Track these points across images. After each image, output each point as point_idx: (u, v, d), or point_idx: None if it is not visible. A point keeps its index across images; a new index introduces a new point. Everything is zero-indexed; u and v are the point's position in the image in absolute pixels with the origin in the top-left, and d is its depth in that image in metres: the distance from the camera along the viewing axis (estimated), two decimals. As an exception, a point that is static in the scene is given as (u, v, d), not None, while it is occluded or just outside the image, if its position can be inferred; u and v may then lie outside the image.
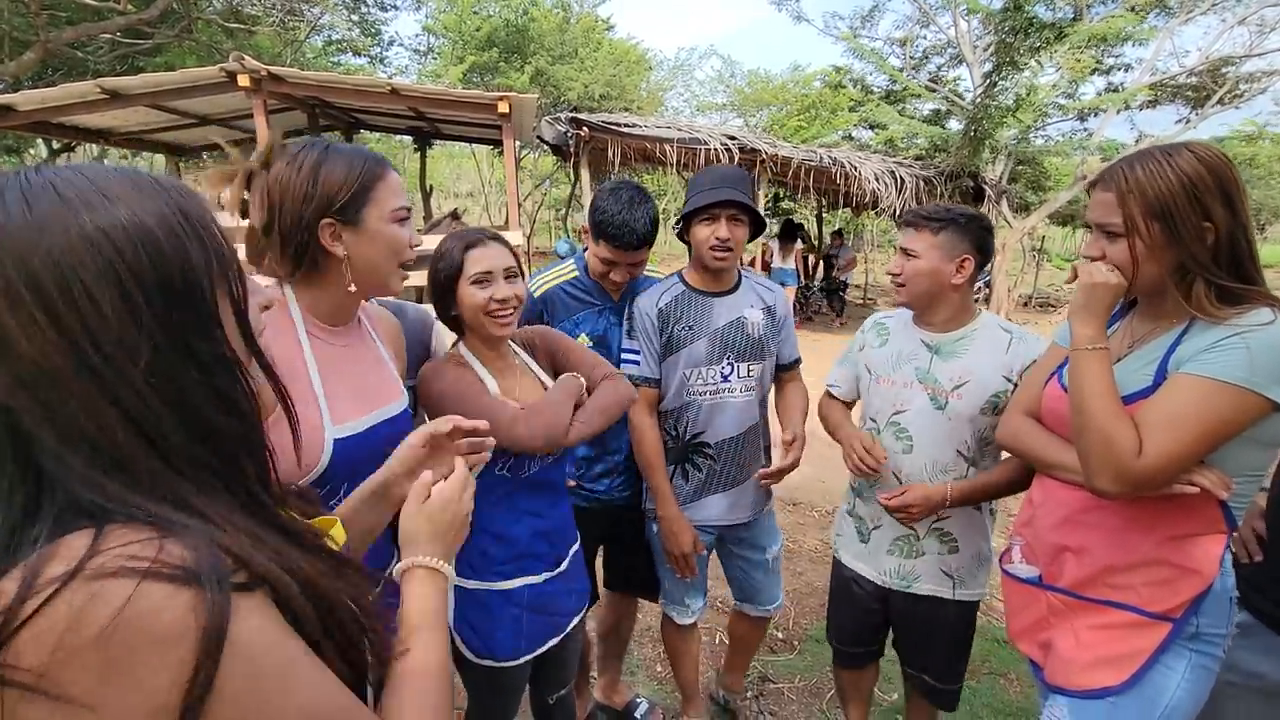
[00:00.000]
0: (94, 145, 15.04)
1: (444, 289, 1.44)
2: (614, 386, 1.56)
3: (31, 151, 17.41)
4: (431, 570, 0.78)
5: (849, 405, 1.93)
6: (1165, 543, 1.16)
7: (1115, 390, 1.12)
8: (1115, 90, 12.20)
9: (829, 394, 1.94)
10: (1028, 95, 8.79)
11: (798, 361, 2.05)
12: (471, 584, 1.48)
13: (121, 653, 0.41)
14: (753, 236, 1.91)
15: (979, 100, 9.31)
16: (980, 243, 1.62)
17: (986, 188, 9.79)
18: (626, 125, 8.29)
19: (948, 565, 1.69)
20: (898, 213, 9.13)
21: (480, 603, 1.48)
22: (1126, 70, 12.81)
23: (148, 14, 11.92)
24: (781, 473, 1.88)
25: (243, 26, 13.62)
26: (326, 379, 1.12)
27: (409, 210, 1.18)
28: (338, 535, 0.73)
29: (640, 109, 17.81)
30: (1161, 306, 1.19)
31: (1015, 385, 1.57)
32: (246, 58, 7.60)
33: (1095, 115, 12.26)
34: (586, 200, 8.94)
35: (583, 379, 1.55)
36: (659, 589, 2.21)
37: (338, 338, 1.19)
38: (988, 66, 10.12)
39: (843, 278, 11.78)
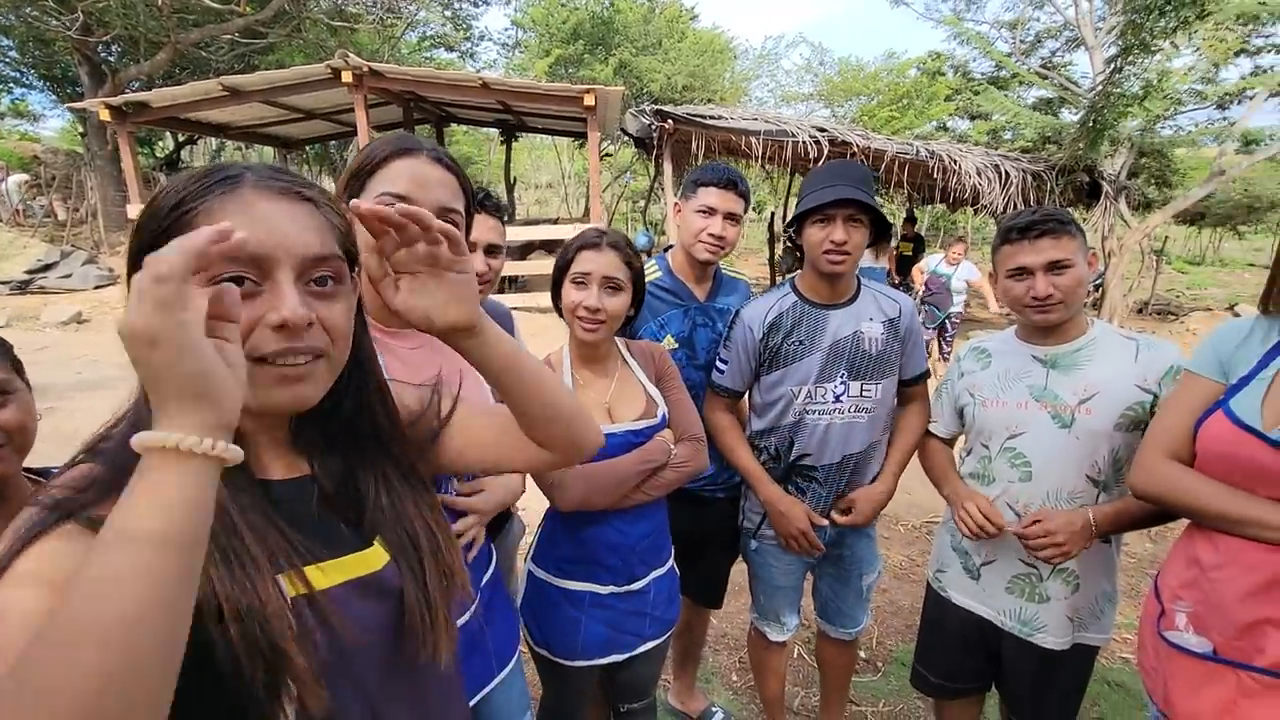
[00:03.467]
0: (213, 139, 16.30)
1: (554, 280, 1.47)
2: (691, 456, 1.52)
3: (160, 144, 19.08)
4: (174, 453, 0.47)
5: (951, 442, 1.78)
6: None
7: None
8: (1262, 73, 10.88)
9: (928, 433, 1.79)
10: (1159, 81, 7.89)
11: (923, 376, 1.87)
12: (540, 573, 1.50)
13: None
14: (875, 240, 1.73)
15: (1100, 87, 8.42)
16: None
17: (1104, 183, 8.86)
18: (712, 117, 8.11)
19: (1073, 609, 1.51)
20: (1000, 209, 8.49)
21: (543, 594, 1.49)
22: (1277, 51, 11.43)
23: (263, 14, 12.84)
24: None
25: (346, 24, 14.42)
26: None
27: (397, 200, 0.98)
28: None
29: (723, 100, 17.53)
30: None
31: (1156, 397, 1.41)
32: (350, 55, 8.01)
33: (1238, 102, 10.97)
34: (668, 193, 8.87)
35: (670, 442, 1.50)
36: (718, 598, 2.14)
37: (402, 340, 1.16)
38: (1112, 50, 9.18)
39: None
